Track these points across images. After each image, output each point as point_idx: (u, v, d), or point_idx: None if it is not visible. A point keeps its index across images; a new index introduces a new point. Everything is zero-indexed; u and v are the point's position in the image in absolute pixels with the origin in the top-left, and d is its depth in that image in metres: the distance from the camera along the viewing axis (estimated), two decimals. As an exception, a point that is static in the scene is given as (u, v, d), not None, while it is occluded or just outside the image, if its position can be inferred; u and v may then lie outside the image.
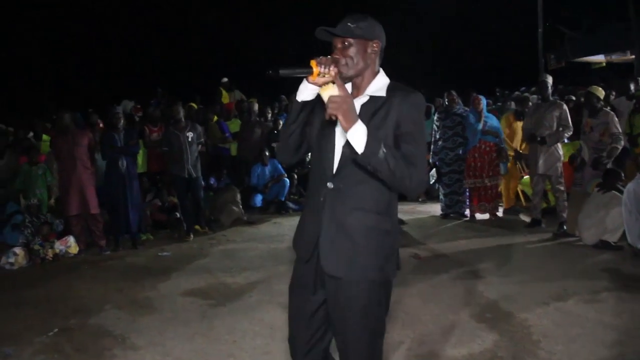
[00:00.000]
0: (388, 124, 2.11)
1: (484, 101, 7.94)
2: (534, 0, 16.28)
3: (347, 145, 2.04)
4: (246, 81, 15.21)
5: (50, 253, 6.64)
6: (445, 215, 8.18)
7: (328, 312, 2.26)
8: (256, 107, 10.25)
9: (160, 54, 18.97)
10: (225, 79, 13.10)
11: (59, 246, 6.75)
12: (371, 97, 2.19)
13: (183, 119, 7.65)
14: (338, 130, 2.19)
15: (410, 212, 8.63)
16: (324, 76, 2.12)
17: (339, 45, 2.18)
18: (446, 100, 8.33)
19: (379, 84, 2.21)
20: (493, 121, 7.94)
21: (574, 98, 9.38)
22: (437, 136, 8.18)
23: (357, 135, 1.97)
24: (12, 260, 6.38)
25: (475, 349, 3.71)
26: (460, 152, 7.98)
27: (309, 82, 2.16)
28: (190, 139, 7.48)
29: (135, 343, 4.06)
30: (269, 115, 10.27)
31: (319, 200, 2.21)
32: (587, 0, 16.58)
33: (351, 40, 2.16)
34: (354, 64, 2.17)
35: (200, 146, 7.83)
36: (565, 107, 6.86)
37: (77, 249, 6.88)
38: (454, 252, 6.27)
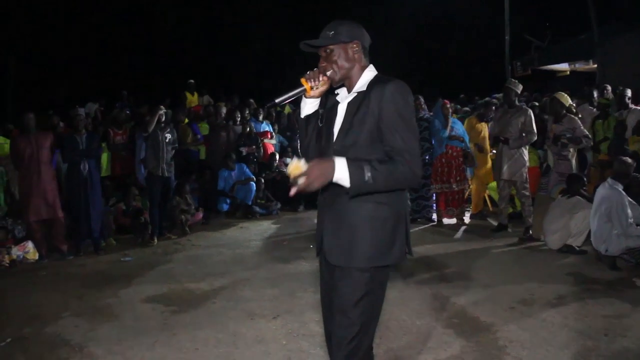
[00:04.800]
0: (370, 117, 2.22)
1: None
2: (502, 9, 16.55)
3: (339, 141, 2.29)
4: (216, 85, 15.10)
5: (7, 259, 6.40)
6: (412, 220, 8.17)
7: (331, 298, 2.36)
8: (224, 110, 10.11)
9: (128, 56, 18.66)
10: (191, 81, 12.92)
11: (16, 252, 6.51)
12: (357, 93, 2.31)
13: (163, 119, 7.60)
14: (335, 128, 2.34)
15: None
16: (317, 88, 2.37)
17: (323, 54, 2.36)
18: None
19: (364, 80, 2.33)
20: (459, 126, 7.98)
21: (537, 104, 9.52)
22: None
23: (341, 175, 2.08)
24: (-35, 266, 6.14)
25: (441, 355, 3.69)
26: (427, 157, 7.99)
27: (307, 97, 2.42)
28: (167, 140, 7.43)
29: (93, 352, 3.92)
30: (238, 119, 10.14)
31: (322, 197, 2.39)
32: (553, 12, 16.98)
33: (332, 46, 2.32)
34: (340, 68, 2.34)
35: (173, 150, 7.69)
36: (530, 113, 6.88)
37: (37, 254, 6.65)
38: (421, 257, 6.24)
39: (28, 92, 16.20)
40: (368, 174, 2.09)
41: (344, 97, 2.39)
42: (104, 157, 8.56)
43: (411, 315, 4.40)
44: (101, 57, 18.36)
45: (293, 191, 2.09)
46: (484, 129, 8.22)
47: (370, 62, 2.41)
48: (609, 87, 9.15)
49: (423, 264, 5.94)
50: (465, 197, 8.31)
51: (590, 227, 5.69)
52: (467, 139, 8.01)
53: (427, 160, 8.00)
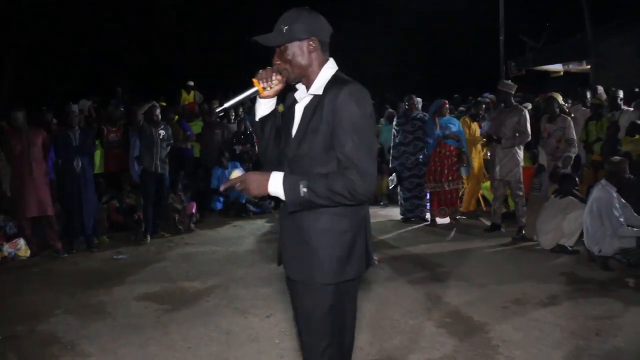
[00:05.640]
0: (324, 125, 2.06)
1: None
2: (496, 9, 16.57)
3: (292, 149, 2.15)
4: (210, 82, 15.05)
5: (-3, 256, 6.37)
6: (405, 219, 8.17)
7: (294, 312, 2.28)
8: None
9: (122, 54, 18.57)
10: (190, 83, 12.90)
11: (7, 249, 6.49)
12: (313, 97, 2.15)
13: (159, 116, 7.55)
14: (293, 131, 2.19)
15: (371, 216, 8.57)
16: (270, 88, 2.22)
17: (277, 50, 2.17)
18: (406, 104, 8.32)
19: (321, 80, 2.15)
20: (455, 126, 7.96)
21: (529, 106, 9.52)
22: (397, 140, 8.16)
23: (276, 190, 2.03)
24: (-45, 264, 6.10)
25: (434, 354, 3.69)
26: (421, 157, 7.99)
27: (260, 98, 2.28)
28: (162, 136, 7.39)
29: (85, 350, 3.92)
30: (233, 117, 10.13)
31: (282, 206, 2.19)
32: (547, 12, 17.02)
33: (286, 44, 2.13)
34: (294, 66, 2.14)
35: (168, 147, 7.67)
36: (525, 113, 6.87)
37: (29, 252, 6.62)
38: (414, 256, 6.26)
39: (22, 89, 16.11)
40: (304, 190, 1.98)
41: (302, 97, 2.21)
42: (98, 154, 8.53)
43: (404, 314, 4.41)
44: (97, 54, 18.25)
45: (222, 187, 2.13)
46: (477, 128, 8.26)
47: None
48: (601, 88, 9.17)
49: (416, 263, 5.96)
50: (459, 196, 8.31)
51: (584, 227, 5.70)
52: (464, 138, 7.98)
53: (421, 160, 8.00)
